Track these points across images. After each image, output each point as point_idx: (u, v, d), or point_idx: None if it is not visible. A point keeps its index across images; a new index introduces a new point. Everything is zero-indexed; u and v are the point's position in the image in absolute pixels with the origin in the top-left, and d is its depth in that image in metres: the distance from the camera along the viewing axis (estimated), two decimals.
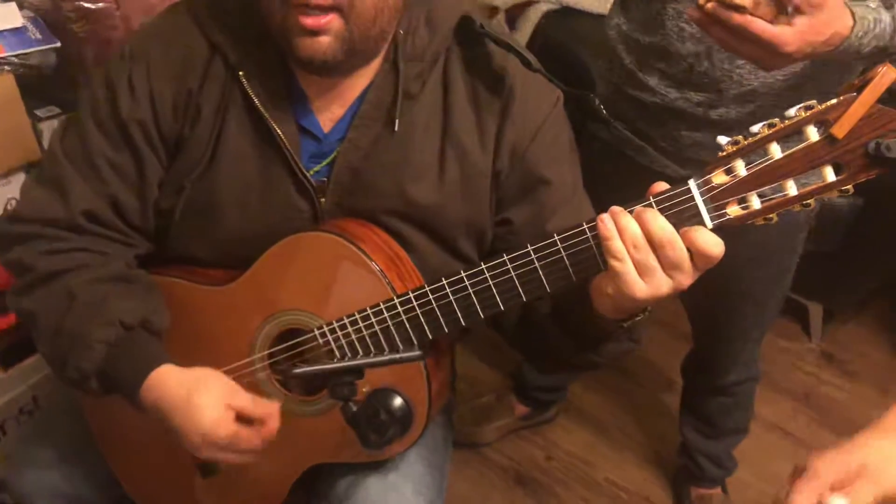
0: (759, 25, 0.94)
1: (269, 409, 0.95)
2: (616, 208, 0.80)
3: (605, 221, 0.80)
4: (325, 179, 1.02)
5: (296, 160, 0.99)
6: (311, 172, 1.01)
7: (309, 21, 0.87)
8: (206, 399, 0.93)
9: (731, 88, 1.21)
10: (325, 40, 0.89)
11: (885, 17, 1.03)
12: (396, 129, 0.98)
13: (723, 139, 0.78)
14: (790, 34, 0.95)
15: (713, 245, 0.77)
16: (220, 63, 0.99)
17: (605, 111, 0.94)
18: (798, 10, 0.94)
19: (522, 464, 2.00)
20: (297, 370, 0.91)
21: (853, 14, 1.00)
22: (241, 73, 0.98)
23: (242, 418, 0.95)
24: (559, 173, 1.03)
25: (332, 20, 0.88)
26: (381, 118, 0.99)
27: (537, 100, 1.02)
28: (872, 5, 1.03)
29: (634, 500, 1.93)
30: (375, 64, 0.99)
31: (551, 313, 0.98)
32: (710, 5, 0.95)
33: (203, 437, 0.93)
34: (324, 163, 1.02)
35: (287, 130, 0.99)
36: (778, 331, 2.35)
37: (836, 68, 1.19)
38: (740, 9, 0.94)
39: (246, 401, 0.95)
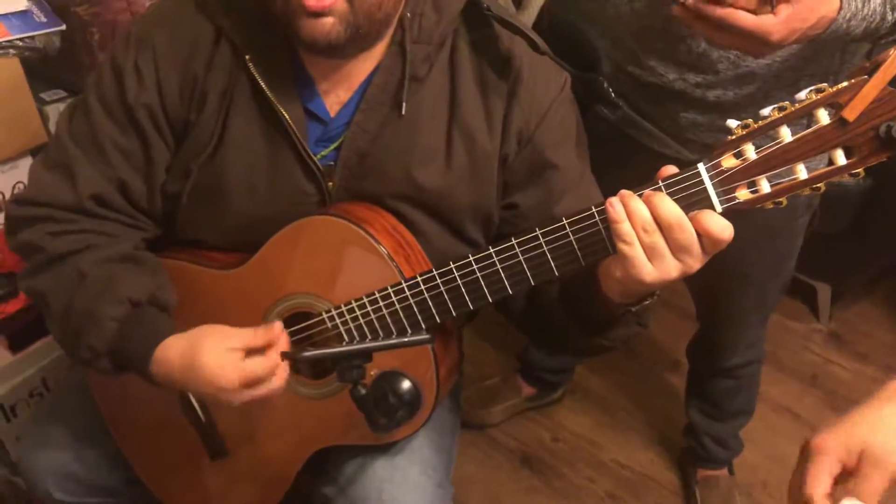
0: (742, 17, 0.94)
1: (272, 333, 0.95)
2: (625, 192, 0.80)
3: (615, 205, 0.80)
4: (333, 163, 1.02)
5: (303, 144, 0.99)
6: (319, 157, 1.01)
7: (312, 2, 0.86)
8: (206, 357, 0.94)
9: (728, 70, 1.20)
10: (328, 21, 0.88)
11: None
12: (403, 112, 0.98)
13: (732, 122, 0.78)
14: (774, 23, 0.94)
15: (722, 228, 0.77)
16: (226, 47, 0.99)
17: (612, 94, 0.93)
18: None
19: (529, 445, 2.00)
20: (306, 353, 0.91)
21: None
22: (247, 56, 0.97)
23: (253, 352, 0.95)
24: (567, 157, 1.03)
25: (336, 2, 0.87)
26: (388, 101, 0.99)
27: (545, 83, 1.01)
28: None
29: (640, 481, 1.94)
30: (382, 47, 0.98)
31: (559, 297, 0.99)
32: (690, 1, 0.95)
33: (223, 389, 0.94)
34: (331, 147, 1.02)
35: (293, 114, 0.99)
36: (786, 311, 2.35)
37: (835, 50, 1.19)
38: (721, 2, 0.93)
39: (246, 336, 0.95)
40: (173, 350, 0.96)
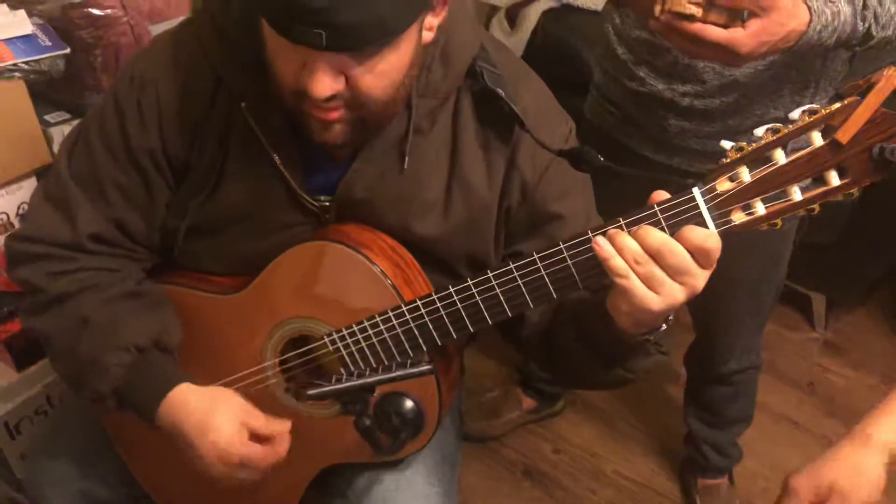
0: (712, 32, 0.98)
1: (280, 429, 0.97)
2: (611, 230, 0.81)
3: (601, 243, 0.80)
4: (328, 205, 1.02)
5: (300, 191, 1.00)
6: (317, 199, 1.01)
7: (321, 115, 0.87)
8: (222, 418, 0.96)
9: (714, 79, 1.23)
10: (337, 128, 0.89)
11: (846, 9, 1.04)
12: (406, 166, 0.98)
13: (727, 144, 0.79)
14: (744, 36, 0.98)
15: (704, 238, 0.77)
16: (225, 93, 0.98)
17: (601, 159, 0.94)
18: (751, 13, 0.98)
19: (530, 457, 2.02)
20: (311, 392, 0.92)
21: (810, 10, 1.01)
22: (242, 104, 0.97)
23: (255, 437, 0.97)
24: (572, 206, 1.03)
25: (344, 113, 0.87)
26: (389, 152, 0.98)
27: (550, 133, 1.00)
28: None
29: (641, 492, 1.95)
30: None
31: (575, 337, 0.98)
32: (663, 17, 0.99)
33: (219, 455, 0.96)
34: (333, 197, 1.02)
35: (291, 162, 0.99)
36: (782, 321, 2.37)
37: (816, 57, 1.21)
38: (691, 18, 0.97)
39: (260, 420, 0.97)
40: (189, 402, 0.97)
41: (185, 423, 0.97)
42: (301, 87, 0.84)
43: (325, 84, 0.82)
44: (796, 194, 0.78)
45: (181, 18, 1.06)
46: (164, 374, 0.99)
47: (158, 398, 0.97)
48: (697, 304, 1.63)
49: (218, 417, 0.96)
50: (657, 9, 1.00)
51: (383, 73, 0.85)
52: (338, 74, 0.83)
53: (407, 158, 0.98)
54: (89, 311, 1.00)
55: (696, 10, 0.97)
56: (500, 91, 0.96)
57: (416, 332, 0.95)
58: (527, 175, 1.01)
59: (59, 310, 1.01)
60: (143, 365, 0.99)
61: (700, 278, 0.79)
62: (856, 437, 0.92)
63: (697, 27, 0.98)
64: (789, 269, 1.55)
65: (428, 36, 0.91)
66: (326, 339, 1.00)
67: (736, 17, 0.99)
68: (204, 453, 0.97)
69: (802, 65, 1.21)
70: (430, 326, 0.94)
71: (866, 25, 1.07)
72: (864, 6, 1.06)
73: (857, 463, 0.88)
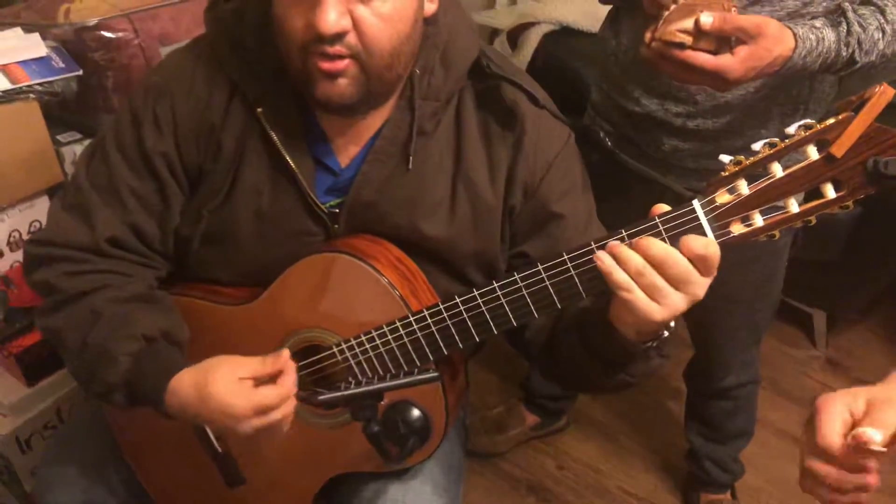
0: (702, 58, 1.02)
1: (280, 362, 0.95)
2: (612, 242, 0.83)
3: (602, 258, 0.82)
4: (337, 211, 1.05)
5: (312, 196, 1.02)
6: (328, 206, 1.04)
7: (326, 65, 0.90)
8: (217, 385, 0.95)
9: (706, 101, 1.26)
10: (342, 83, 0.92)
11: (830, 35, 1.08)
12: (410, 166, 1.01)
13: (725, 158, 0.81)
14: (732, 62, 1.02)
15: (705, 246, 0.79)
16: (240, 99, 1.01)
17: (609, 143, 0.98)
18: (738, 40, 1.01)
19: (534, 473, 2.02)
20: (321, 397, 0.93)
21: (796, 36, 1.05)
22: (258, 110, 1.00)
23: (261, 382, 0.95)
24: (572, 206, 1.05)
25: (349, 65, 0.91)
26: (395, 154, 1.02)
27: (549, 135, 1.04)
28: (818, 24, 1.08)
29: None
30: (392, 101, 1.01)
31: (578, 342, 0.99)
32: (654, 44, 1.03)
33: (234, 418, 0.94)
34: (342, 199, 1.04)
35: (304, 166, 1.02)
36: (783, 338, 2.38)
37: (804, 80, 1.24)
38: (681, 46, 1.01)
39: (255, 365, 0.96)
40: (186, 382, 0.98)
41: (190, 405, 0.96)
42: (309, 32, 0.88)
43: (332, 16, 0.86)
44: (793, 206, 0.81)
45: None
46: (169, 361, 1.00)
47: (163, 385, 0.97)
48: (694, 320, 1.65)
49: (213, 385, 0.94)
50: (647, 37, 1.04)
51: (388, 18, 0.89)
52: (344, 13, 0.87)
53: (411, 159, 1.01)
54: (102, 306, 1.02)
55: (686, 38, 1.01)
56: (505, 77, 0.99)
57: (423, 342, 0.97)
58: (529, 175, 1.03)
59: (72, 307, 1.03)
60: (151, 354, 1.00)
61: (701, 286, 0.82)
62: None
63: (687, 54, 1.02)
64: (790, 287, 1.56)
65: (430, 8, 0.96)
66: (335, 349, 1.02)
67: (724, 43, 1.02)
68: (223, 423, 0.95)
69: (791, 88, 1.24)
70: (437, 336, 0.96)
71: (850, 51, 1.09)
72: (849, 32, 1.09)
73: (888, 389, 0.77)
